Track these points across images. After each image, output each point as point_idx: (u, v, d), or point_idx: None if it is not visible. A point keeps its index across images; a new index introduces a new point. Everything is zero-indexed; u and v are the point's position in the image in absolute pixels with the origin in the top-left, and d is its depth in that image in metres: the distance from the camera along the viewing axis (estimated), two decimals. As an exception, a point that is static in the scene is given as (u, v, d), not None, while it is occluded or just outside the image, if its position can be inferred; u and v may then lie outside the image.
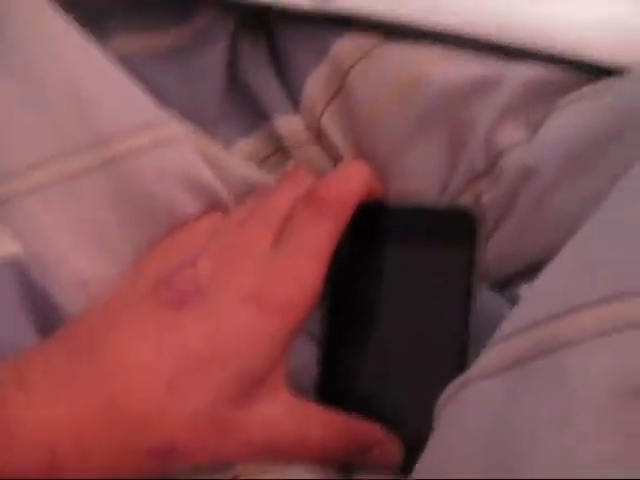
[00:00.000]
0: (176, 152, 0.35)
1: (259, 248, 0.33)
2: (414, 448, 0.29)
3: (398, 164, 0.37)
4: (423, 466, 0.27)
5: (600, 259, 0.26)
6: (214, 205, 0.36)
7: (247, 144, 0.39)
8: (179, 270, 0.32)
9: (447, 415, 0.27)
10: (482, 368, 0.26)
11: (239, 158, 0.38)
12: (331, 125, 0.38)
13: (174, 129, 0.35)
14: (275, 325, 0.32)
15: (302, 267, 0.33)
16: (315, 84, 0.38)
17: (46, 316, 0.32)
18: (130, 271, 0.34)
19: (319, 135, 0.38)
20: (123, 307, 0.32)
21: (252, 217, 0.35)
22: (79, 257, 0.33)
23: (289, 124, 0.38)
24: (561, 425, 0.23)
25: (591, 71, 0.36)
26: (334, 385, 0.36)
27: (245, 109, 0.39)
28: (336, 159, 0.38)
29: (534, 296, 0.28)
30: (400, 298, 0.36)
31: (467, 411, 0.26)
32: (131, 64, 0.38)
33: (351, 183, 0.35)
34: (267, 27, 0.40)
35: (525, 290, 0.28)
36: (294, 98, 0.39)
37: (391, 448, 0.34)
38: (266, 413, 0.32)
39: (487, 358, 0.26)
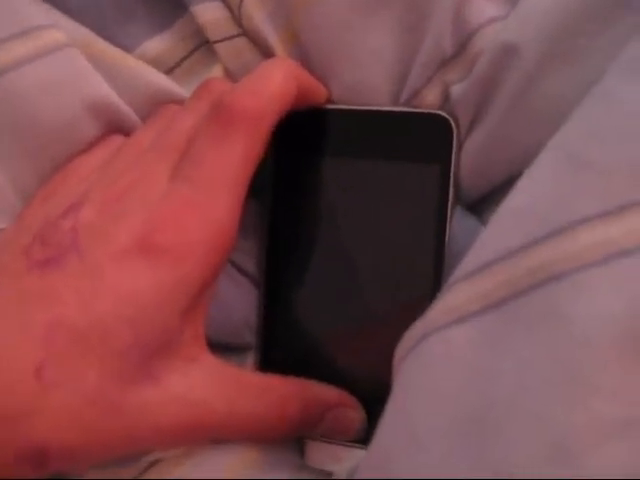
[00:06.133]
0: (63, 61, 0.27)
1: (153, 186, 0.26)
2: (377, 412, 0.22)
3: (342, 53, 0.28)
4: (382, 434, 0.21)
5: (595, 161, 0.20)
6: (116, 125, 0.29)
7: (158, 44, 0.31)
8: (56, 221, 0.26)
9: (407, 371, 0.22)
10: (446, 312, 0.21)
11: (144, 64, 0.30)
12: (256, 9, 0.29)
13: (58, 34, 0.27)
14: (171, 277, 0.24)
15: (204, 201, 0.25)
16: None
17: None
18: (15, 221, 0.27)
19: (243, 24, 0.30)
20: None
21: (150, 147, 0.27)
22: None
23: (211, 11, 0.30)
24: (566, 378, 0.18)
25: None
26: (277, 339, 0.30)
27: (156, 3, 0.31)
28: (267, 54, 0.30)
29: (507, 217, 0.21)
30: (358, 225, 0.29)
31: (433, 364, 0.21)
32: None
33: (268, 86, 0.26)
34: None
35: (495, 212, 0.21)
36: None
37: (351, 414, 0.28)
38: (179, 386, 0.25)
39: (451, 299, 0.21)
